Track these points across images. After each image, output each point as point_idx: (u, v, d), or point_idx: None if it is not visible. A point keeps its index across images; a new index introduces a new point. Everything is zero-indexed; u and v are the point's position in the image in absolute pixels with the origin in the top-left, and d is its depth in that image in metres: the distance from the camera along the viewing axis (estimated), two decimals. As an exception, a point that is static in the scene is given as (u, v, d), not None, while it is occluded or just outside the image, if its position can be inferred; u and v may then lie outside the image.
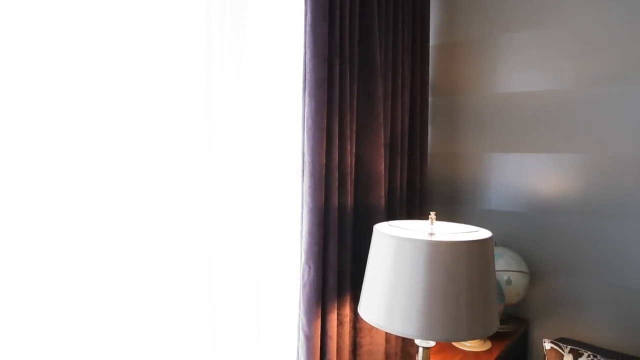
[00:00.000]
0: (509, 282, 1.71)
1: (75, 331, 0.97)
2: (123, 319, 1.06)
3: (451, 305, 1.03)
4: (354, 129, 1.46)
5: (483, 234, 1.14)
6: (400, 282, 1.06)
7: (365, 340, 1.53)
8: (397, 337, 1.65)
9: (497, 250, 1.79)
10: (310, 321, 1.32)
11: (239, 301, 1.33)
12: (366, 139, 1.51)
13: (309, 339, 1.32)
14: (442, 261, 1.03)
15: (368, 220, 1.53)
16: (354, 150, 1.47)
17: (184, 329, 1.19)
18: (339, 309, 1.43)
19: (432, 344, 1.18)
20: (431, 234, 1.12)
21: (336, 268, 1.38)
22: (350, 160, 1.46)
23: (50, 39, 0.89)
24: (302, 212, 1.33)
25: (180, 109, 1.14)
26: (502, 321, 1.83)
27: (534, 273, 1.87)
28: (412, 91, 1.82)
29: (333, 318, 1.38)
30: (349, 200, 1.43)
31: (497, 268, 1.73)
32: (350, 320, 1.50)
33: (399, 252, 1.07)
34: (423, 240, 1.05)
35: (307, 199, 1.31)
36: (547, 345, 1.51)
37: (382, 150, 1.52)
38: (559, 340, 1.68)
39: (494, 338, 1.72)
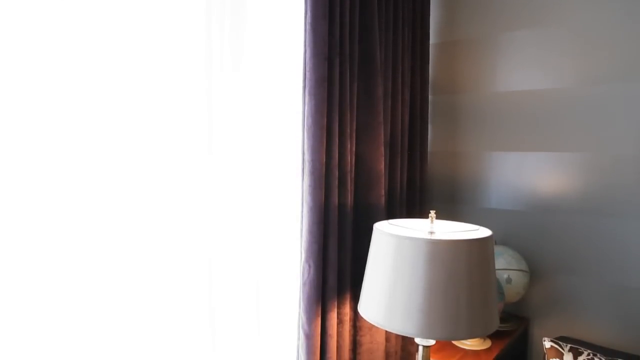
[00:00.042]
0: (508, 280, 1.71)
1: (76, 331, 0.97)
2: (123, 318, 1.06)
3: (451, 303, 1.03)
4: (354, 127, 1.46)
5: (483, 232, 1.14)
6: (400, 281, 1.06)
7: (365, 339, 1.53)
8: (397, 335, 1.65)
9: (497, 249, 1.79)
10: (310, 320, 1.32)
11: (239, 300, 1.33)
12: (366, 138, 1.51)
13: (309, 337, 1.32)
14: (442, 260, 1.03)
15: (368, 219, 1.53)
16: (354, 148, 1.47)
17: (184, 328, 1.19)
18: (339, 307, 1.43)
19: (432, 342, 1.18)
20: (431, 233, 1.12)
21: (336, 267, 1.38)
22: (350, 158, 1.46)
23: (50, 37, 0.88)
24: (302, 211, 1.33)
25: (180, 108, 1.14)
26: (502, 320, 1.83)
27: (534, 272, 1.87)
28: (412, 90, 1.82)
29: (333, 317, 1.38)
30: (349, 198, 1.42)
31: (497, 267, 1.74)
32: (350, 318, 1.51)
33: (399, 250, 1.07)
34: (423, 238, 1.05)
35: (307, 197, 1.31)
36: (547, 343, 1.51)
37: (382, 148, 1.52)
38: (559, 339, 1.69)
39: (494, 337, 1.72)
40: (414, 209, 1.84)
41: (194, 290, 1.21)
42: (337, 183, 1.36)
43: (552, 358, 1.47)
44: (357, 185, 1.52)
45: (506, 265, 1.73)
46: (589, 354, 1.42)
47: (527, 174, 1.87)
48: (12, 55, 0.84)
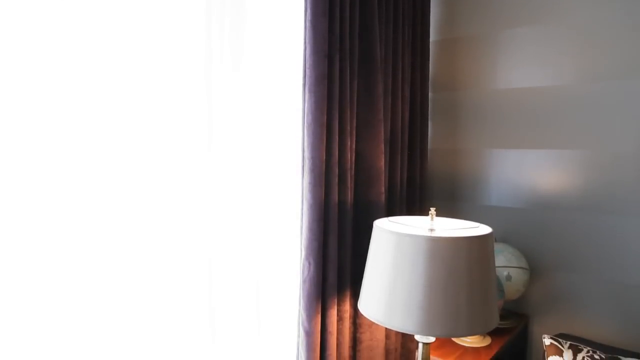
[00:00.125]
0: (508, 278, 1.71)
1: (78, 329, 0.97)
2: (123, 316, 1.06)
3: (451, 301, 1.03)
4: (354, 125, 1.46)
5: (483, 230, 1.14)
6: (400, 278, 1.06)
7: (365, 336, 1.53)
8: (397, 332, 1.65)
9: (497, 246, 1.79)
10: (310, 317, 1.32)
11: (239, 297, 1.33)
12: (366, 135, 1.51)
13: (309, 334, 1.32)
14: (442, 257, 1.03)
15: (368, 216, 1.53)
16: (354, 146, 1.47)
17: (184, 325, 1.20)
18: (339, 304, 1.44)
19: (432, 339, 1.18)
20: (431, 230, 1.12)
21: (336, 264, 1.38)
22: (350, 156, 1.46)
23: (49, 33, 0.88)
24: (302, 208, 1.33)
25: (180, 105, 1.14)
26: (502, 317, 1.84)
27: (534, 269, 1.87)
28: (412, 87, 1.82)
29: (333, 314, 1.39)
30: (349, 196, 1.42)
31: (497, 264, 1.74)
32: (350, 316, 1.51)
33: (399, 248, 1.07)
34: (423, 236, 1.05)
35: (307, 195, 1.31)
36: (547, 341, 1.51)
37: (382, 146, 1.52)
38: (559, 336, 1.69)
39: (494, 334, 1.72)
40: (414, 207, 1.84)
41: (193, 288, 1.21)
42: (337, 180, 1.36)
43: (552, 355, 1.47)
44: (357, 183, 1.52)
45: (506, 262, 1.73)
46: (588, 351, 1.42)
47: (527, 171, 1.87)
48: (12, 55, 0.84)
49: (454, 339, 1.69)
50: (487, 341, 1.66)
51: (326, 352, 1.37)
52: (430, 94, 2.13)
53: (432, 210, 1.24)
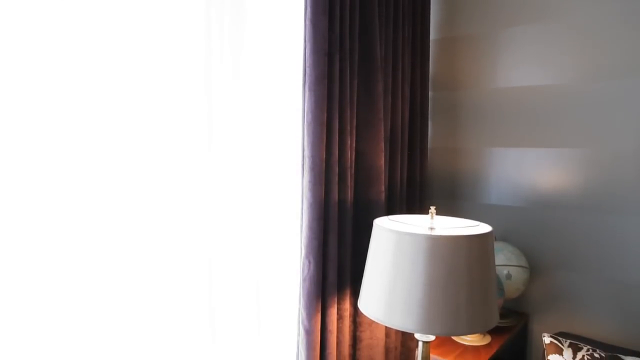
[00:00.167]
0: (508, 276, 1.71)
1: (79, 329, 0.97)
2: (124, 316, 1.06)
3: (451, 299, 1.03)
4: (354, 123, 1.46)
5: (483, 228, 1.14)
6: (400, 277, 1.07)
7: (365, 335, 1.53)
8: (397, 331, 1.66)
9: (497, 245, 1.79)
10: (310, 315, 1.32)
11: (239, 296, 1.33)
12: (366, 134, 1.51)
13: (309, 333, 1.32)
14: (442, 256, 1.03)
15: (368, 215, 1.53)
16: (354, 145, 1.47)
17: (184, 324, 1.20)
18: (339, 303, 1.44)
19: (432, 338, 1.19)
20: (431, 229, 1.12)
21: (336, 262, 1.38)
22: (350, 155, 1.46)
23: (48, 32, 0.88)
24: (302, 207, 1.34)
25: (180, 104, 1.14)
26: (502, 315, 1.84)
27: (534, 268, 1.87)
28: (412, 86, 1.82)
29: (333, 312, 1.39)
30: (349, 195, 1.43)
31: (497, 263, 1.74)
32: (350, 314, 1.51)
33: (399, 246, 1.08)
34: (423, 234, 1.05)
35: (307, 193, 1.31)
36: (547, 339, 1.51)
37: (382, 145, 1.52)
38: (559, 335, 1.69)
39: (494, 332, 1.73)
40: (414, 205, 1.84)
41: (193, 286, 1.21)
42: (337, 179, 1.36)
43: (552, 354, 1.47)
44: (357, 182, 1.52)
45: (506, 261, 1.73)
46: (588, 350, 1.42)
47: (527, 170, 1.87)
48: (11, 54, 0.84)
49: (453, 338, 1.69)
50: (487, 340, 1.66)
51: (326, 351, 1.38)
52: (430, 93, 2.13)
53: (432, 209, 1.24)
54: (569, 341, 1.48)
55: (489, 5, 1.93)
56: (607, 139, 1.68)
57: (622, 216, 1.66)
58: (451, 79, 2.06)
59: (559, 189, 1.79)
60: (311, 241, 1.31)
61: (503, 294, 1.66)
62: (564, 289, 1.80)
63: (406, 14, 1.72)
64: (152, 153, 1.09)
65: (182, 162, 1.16)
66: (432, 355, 1.55)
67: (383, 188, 1.53)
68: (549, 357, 1.48)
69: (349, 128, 1.40)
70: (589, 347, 1.44)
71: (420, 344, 1.19)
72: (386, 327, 1.61)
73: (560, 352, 1.46)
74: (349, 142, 1.40)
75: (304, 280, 1.33)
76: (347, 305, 1.45)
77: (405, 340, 1.72)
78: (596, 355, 1.39)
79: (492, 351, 1.58)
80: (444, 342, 1.66)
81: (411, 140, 1.82)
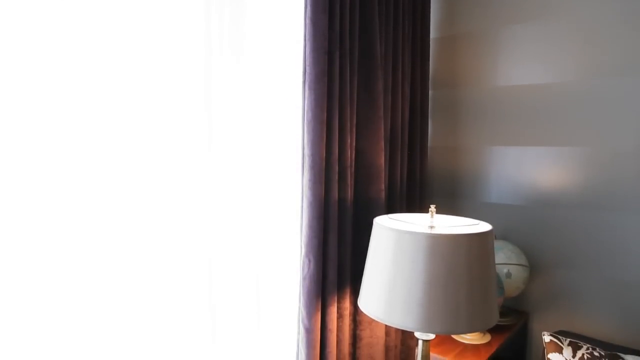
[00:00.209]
0: (508, 275, 1.71)
1: (79, 328, 0.97)
2: (124, 315, 1.06)
3: (451, 298, 1.03)
4: (354, 122, 1.46)
5: (483, 227, 1.14)
6: (400, 275, 1.06)
7: (365, 333, 1.53)
8: (397, 329, 1.66)
9: (497, 244, 1.79)
10: (310, 314, 1.32)
11: (239, 294, 1.33)
12: (366, 132, 1.51)
13: (309, 331, 1.32)
14: (442, 254, 1.03)
15: (368, 214, 1.53)
16: (354, 143, 1.47)
17: (184, 322, 1.20)
18: (339, 302, 1.44)
19: (431, 336, 1.19)
20: (431, 227, 1.12)
21: (336, 261, 1.38)
22: (350, 153, 1.45)
23: (46, 29, 0.88)
24: (302, 206, 1.33)
25: (179, 103, 1.14)
26: (502, 314, 1.84)
27: (534, 266, 1.87)
28: (412, 84, 1.82)
29: (333, 311, 1.39)
30: (349, 193, 1.42)
31: (497, 261, 1.74)
32: (350, 313, 1.51)
33: (399, 245, 1.07)
34: (423, 233, 1.05)
35: (307, 192, 1.31)
36: (547, 338, 1.51)
37: (382, 143, 1.52)
38: (558, 333, 1.69)
39: (494, 331, 1.73)
40: (414, 204, 1.84)
41: (193, 285, 1.21)
42: (337, 178, 1.36)
43: (552, 352, 1.47)
44: (357, 180, 1.52)
45: (506, 259, 1.73)
46: (588, 348, 1.42)
47: (527, 168, 1.87)
48: (10, 54, 0.83)
49: (453, 336, 1.69)
50: (487, 338, 1.66)
51: (326, 349, 1.38)
52: (430, 91, 2.13)
53: (432, 208, 1.24)
54: (568, 340, 1.48)
55: (489, 3, 1.93)
56: (608, 137, 1.68)
57: (622, 214, 1.66)
58: (451, 77, 2.06)
59: (559, 187, 1.79)
60: (311, 240, 1.31)
61: (503, 293, 1.66)
62: (564, 287, 1.80)
63: (406, 12, 1.72)
64: (152, 152, 1.09)
65: (182, 161, 1.16)
66: (432, 354, 1.56)
67: (383, 186, 1.53)
68: (548, 356, 1.48)
69: (349, 126, 1.40)
70: (588, 345, 1.44)
71: (420, 342, 1.19)
72: (386, 325, 1.61)
73: (560, 350, 1.46)
74: (349, 140, 1.40)
75: (304, 278, 1.33)
76: (347, 303, 1.45)
77: (405, 339, 1.72)
78: (596, 353, 1.39)
79: (492, 350, 1.58)
80: (443, 340, 1.66)
81: (411, 138, 1.82)
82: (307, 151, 1.30)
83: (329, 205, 1.35)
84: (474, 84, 1.99)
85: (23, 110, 0.86)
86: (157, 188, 1.11)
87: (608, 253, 1.69)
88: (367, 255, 1.20)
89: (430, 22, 2.03)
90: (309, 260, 1.32)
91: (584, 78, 1.72)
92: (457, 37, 2.03)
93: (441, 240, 1.03)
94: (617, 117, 1.65)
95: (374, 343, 1.55)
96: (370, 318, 1.52)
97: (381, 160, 1.52)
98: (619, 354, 1.39)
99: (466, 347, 1.60)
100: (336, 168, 1.35)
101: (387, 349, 1.63)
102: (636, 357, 1.36)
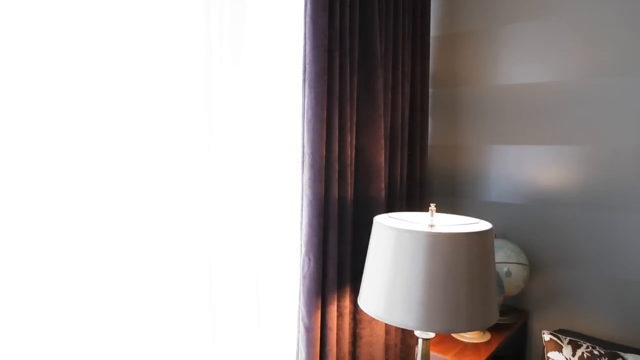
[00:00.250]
0: (508, 274, 1.71)
1: (79, 328, 0.97)
2: (124, 315, 1.06)
3: (451, 296, 1.03)
4: (354, 120, 1.45)
5: (483, 225, 1.14)
6: (400, 274, 1.06)
7: (365, 332, 1.53)
8: (397, 328, 1.66)
9: (497, 242, 1.79)
10: (310, 313, 1.32)
11: (239, 293, 1.33)
12: (366, 131, 1.50)
13: (309, 330, 1.32)
14: (442, 253, 1.03)
15: (368, 212, 1.53)
16: (354, 142, 1.47)
17: (184, 321, 1.20)
18: (338, 300, 1.44)
19: (431, 335, 1.19)
20: (431, 226, 1.12)
21: (336, 260, 1.38)
22: (350, 152, 1.45)
23: (47, 29, 0.88)
24: (302, 204, 1.33)
25: (179, 102, 1.14)
26: (502, 313, 1.84)
27: (534, 265, 1.87)
28: (412, 83, 1.81)
29: (333, 310, 1.39)
30: (349, 192, 1.42)
31: (496, 260, 1.74)
32: (350, 311, 1.51)
33: (399, 243, 1.07)
34: (423, 232, 1.05)
35: (307, 191, 1.31)
36: (546, 336, 1.51)
37: (382, 142, 1.52)
38: (558, 332, 1.69)
39: (494, 330, 1.73)
40: (414, 202, 1.84)
41: (193, 284, 1.21)
42: (337, 176, 1.36)
43: (551, 351, 1.47)
44: (357, 179, 1.52)
45: (506, 258, 1.73)
46: (587, 347, 1.42)
47: (527, 167, 1.86)
48: (10, 54, 0.83)
49: (453, 335, 1.70)
50: (486, 337, 1.66)
51: (326, 348, 1.38)
52: (430, 90, 2.13)
53: (432, 206, 1.24)
54: (568, 338, 1.48)
55: (489, 2, 1.92)
56: (607, 136, 1.67)
57: (622, 213, 1.66)
58: (451, 76, 2.06)
59: (559, 186, 1.79)
60: (311, 238, 1.31)
61: (503, 292, 1.66)
62: (563, 286, 1.80)
63: (406, 10, 1.71)
64: (152, 151, 1.09)
65: (182, 161, 1.15)
66: (431, 353, 1.56)
67: (383, 185, 1.53)
68: (548, 355, 1.48)
69: (349, 125, 1.39)
70: (588, 344, 1.44)
71: (420, 341, 1.19)
72: (386, 324, 1.61)
73: (559, 349, 1.46)
74: (349, 139, 1.40)
75: (304, 277, 1.33)
76: (347, 302, 1.45)
77: (405, 338, 1.72)
78: (596, 352, 1.39)
79: (492, 348, 1.58)
80: (443, 339, 1.66)
81: (411, 137, 1.82)
82: (307, 150, 1.30)
83: (329, 204, 1.35)
84: (474, 82, 1.99)
85: (23, 111, 0.86)
86: (156, 187, 1.10)
87: (608, 252, 1.69)
88: (367, 254, 1.20)
89: (431, 20, 2.03)
90: (309, 259, 1.32)
91: (584, 77, 1.71)
92: (457, 36, 2.03)
93: (441, 239, 1.03)
94: (617, 116, 1.65)
95: (374, 342, 1.55)
96: (370, 317, 1.52)
97: (381, 158, 1.51)
98: (618, 352, 1.39)
99: (466, 346, 1.60)
100: (336, 167, 1.35)
101: (387, 347, 1.63)
102: (636, 356, 1.36)
